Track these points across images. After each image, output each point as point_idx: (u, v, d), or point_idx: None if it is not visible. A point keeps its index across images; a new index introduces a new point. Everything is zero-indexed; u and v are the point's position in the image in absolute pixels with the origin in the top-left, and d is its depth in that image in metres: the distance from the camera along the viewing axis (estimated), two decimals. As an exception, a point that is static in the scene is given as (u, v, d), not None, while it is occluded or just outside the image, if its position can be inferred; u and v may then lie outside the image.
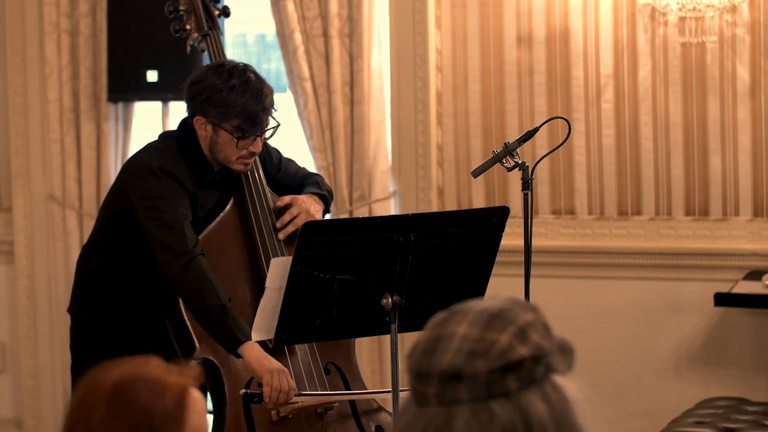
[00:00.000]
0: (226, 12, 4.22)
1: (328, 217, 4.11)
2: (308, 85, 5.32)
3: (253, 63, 3.98)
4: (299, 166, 4.12)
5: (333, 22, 5.30)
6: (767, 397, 4.87)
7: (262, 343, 3.66)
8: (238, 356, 3.64)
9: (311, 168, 4.49)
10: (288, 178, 4.03)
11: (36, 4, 5.68)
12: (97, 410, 1.74)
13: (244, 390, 3.67)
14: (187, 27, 4.14)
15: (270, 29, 5.61)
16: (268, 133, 3.79)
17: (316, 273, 3.31)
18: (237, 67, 3.75)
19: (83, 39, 5.62)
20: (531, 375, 1.48)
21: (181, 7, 4.15)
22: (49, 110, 5.67)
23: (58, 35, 5.64)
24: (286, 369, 3.64)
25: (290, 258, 3.34)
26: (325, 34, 5.32)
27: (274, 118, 3.78)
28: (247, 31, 5.65)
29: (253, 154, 3.77)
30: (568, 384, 1.52)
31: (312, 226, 3.35)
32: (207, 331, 3.66)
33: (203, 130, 3.75)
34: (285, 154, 4.12)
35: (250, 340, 3.59)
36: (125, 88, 5.54)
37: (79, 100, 5.65)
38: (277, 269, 3.42)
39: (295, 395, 3.64)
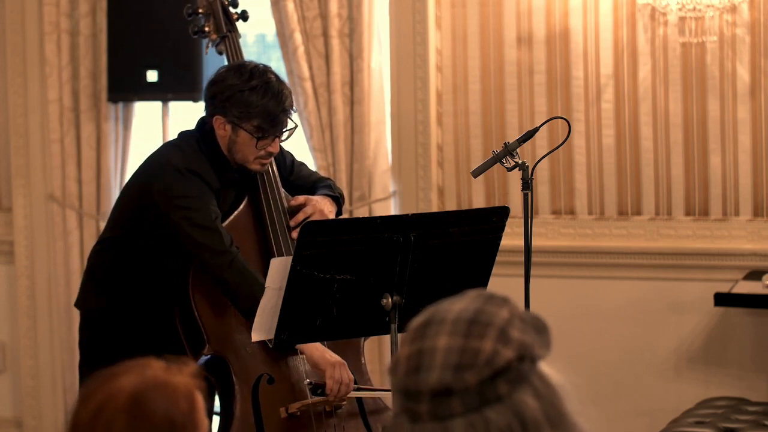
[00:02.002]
0: (244, 16, 4.23)
1: None
2: (308, 85, 5.32)
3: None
4: (311, 170, 4.16)
5: (333, 22, 5.30)
6: (767, 397, 4.87)
7: (262, 343, 3.67)
8: (296, 350, 3.67)
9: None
10: (301, 180, 4.05)
11: (36, 4, 5.68)
12: (116, 422, 1.74)
13: (308, 380, 3.71)
14: (206, 29, 4.17)
15: (270, 29, 5.61)
16: (284, 135, 3.80)
17: (316, 273, 3.31)
18: (257, 68, 3.78)
19: (83, 39, 5.61)
20: (519, 374, 1.48)
21: (200, 10, 4.18)
22: (49, 110, 5.66)
23: (58, 35, 5.63)
24: (345, 362, 3.69)
25: (290, 258, 3.34)
26: (325, 34, 5.32)
27: (291, 119, 3.80)
28: (247, 31, 5.64)
29: (270, 154, 3.80)
30: (552, 371, 1.52)
31: (312, 226, 3.36)
32: None
33: (222, 129, 3.77)
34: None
35: None
36: (125, 88, 5.54)
37: (79, 100, 5.64)
38: (277, 269, 3.42)
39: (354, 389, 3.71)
